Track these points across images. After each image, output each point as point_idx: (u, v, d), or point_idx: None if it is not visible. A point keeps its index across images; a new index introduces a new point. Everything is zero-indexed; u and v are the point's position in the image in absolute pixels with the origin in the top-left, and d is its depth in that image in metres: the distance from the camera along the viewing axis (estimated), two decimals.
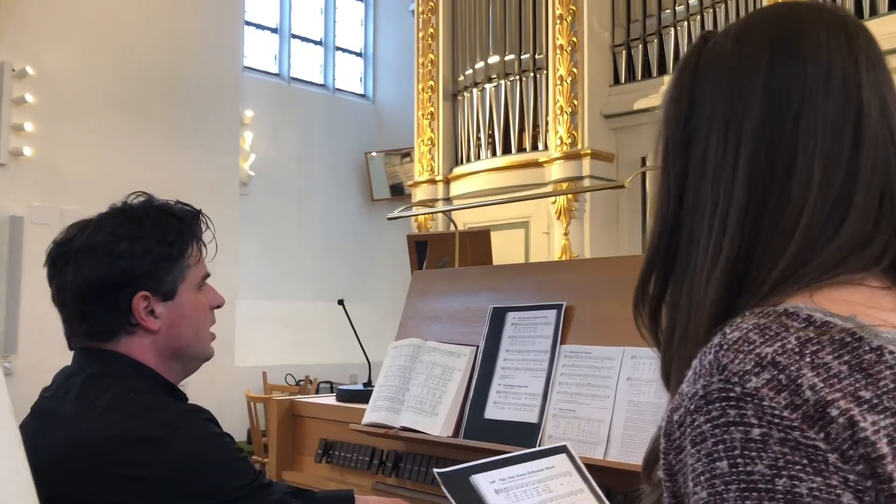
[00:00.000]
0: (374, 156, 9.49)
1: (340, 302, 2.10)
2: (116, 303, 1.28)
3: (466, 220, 6.18)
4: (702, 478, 0.60)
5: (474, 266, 2.64)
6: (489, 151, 6.12)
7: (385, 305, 9.02)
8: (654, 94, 5.42)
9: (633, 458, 1.51)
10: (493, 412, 1.81)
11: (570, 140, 5.46)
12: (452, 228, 2.98)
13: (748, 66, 0.73)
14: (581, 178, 5.39)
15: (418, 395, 1.95)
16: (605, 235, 5.45)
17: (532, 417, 1.73)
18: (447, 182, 6.40)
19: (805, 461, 0.56)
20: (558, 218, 5.37)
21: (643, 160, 5.48)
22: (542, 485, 1.14)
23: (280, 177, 8.64)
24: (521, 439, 1.70)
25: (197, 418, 1.22)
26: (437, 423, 1.87)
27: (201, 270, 1.39)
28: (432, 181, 6.51)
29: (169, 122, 7.19)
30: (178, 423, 1.18)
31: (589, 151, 5.39)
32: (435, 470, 1.13)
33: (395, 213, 2.25)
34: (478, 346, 1.92)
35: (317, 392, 7.13)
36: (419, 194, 6.61)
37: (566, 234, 5.28)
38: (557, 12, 5.58)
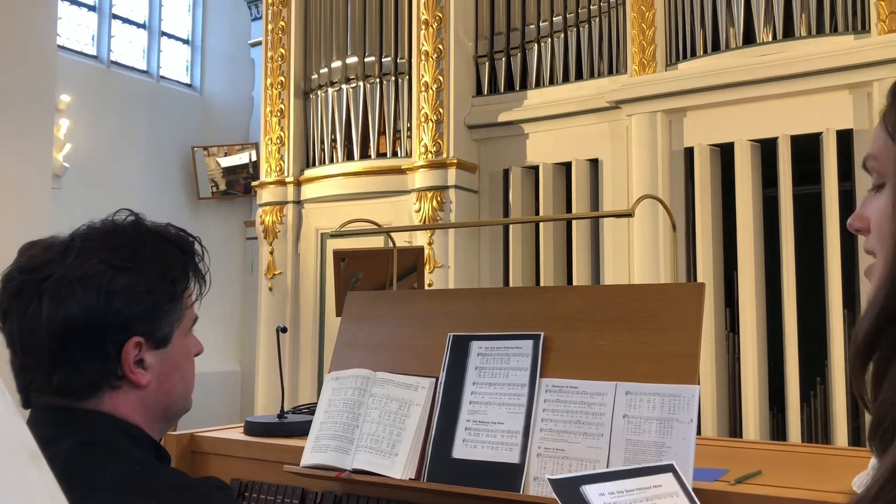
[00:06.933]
0: (201, 151, 8.93)
1: (283, 330, 1.83)
2: (103, 350, 1.01)
3: (320, 224, 5.91)
4: None
5: (422, 290, 2.46)
6: (345, 154, 5.90)
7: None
8: (516, 108, 5.48)
9: None
10: (462, 451, 1.68)
11: (435, 148, 5.37)
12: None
13: None
14: (446, 187, 5.32)
15: (372, 433, 1.77)
16: (467, 245, 5.42)
17: (512, 457, 1.61)
18: (298, 184, 6.08)
19: None
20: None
21: (505, 172, 5.52)
22: (650, 503, 1.14)
23: (97, 170, 7.88)
24: (501, 481, 1.59)
25: (230, 496, 0.99)
26: (398, 465, 1.70)
27: (193, 313, 1.16)
28: (281, 182, 6.16)
29: None
30: None
31: (455, 161, 5.34)
32: (548, 477, 1.14)
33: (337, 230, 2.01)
34: (437, 378, 1.77)
35: None
36: (266, 196, 6.23)
37: (430, 244, 5.19)
38: (423, 17, 5.47)
